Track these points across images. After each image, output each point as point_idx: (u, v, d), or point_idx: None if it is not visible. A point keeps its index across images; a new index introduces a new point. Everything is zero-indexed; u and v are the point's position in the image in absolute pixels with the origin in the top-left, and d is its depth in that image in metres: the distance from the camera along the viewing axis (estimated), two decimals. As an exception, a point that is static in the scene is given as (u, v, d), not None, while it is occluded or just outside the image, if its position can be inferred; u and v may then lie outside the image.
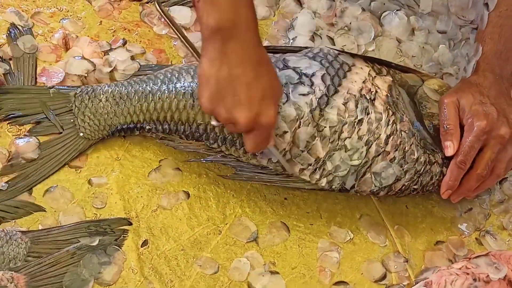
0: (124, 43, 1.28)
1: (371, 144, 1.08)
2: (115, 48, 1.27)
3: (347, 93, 1.10)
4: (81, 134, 1.14)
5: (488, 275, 1.06)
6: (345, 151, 1.08)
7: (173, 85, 1.13)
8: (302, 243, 1.13)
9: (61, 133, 1.14)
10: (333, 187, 1.10)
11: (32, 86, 1.19)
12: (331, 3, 1.38)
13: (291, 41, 1.34)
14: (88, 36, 1.27)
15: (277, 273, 1.09)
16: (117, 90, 1.15)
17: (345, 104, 1.09)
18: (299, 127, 1.07)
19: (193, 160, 1.15)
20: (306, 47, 1.19)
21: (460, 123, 1.11)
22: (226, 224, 1.12)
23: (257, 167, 1.11)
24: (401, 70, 1.20)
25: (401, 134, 1.10)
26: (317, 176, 1.09)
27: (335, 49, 1.17)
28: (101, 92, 1.15)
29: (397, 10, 1.39)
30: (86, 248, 1.05)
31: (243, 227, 1.12)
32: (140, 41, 1.29)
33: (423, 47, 1.36)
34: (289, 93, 1.08)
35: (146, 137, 1.18)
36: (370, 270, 1.12)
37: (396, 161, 1.09)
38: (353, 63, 1.15)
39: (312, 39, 1.34)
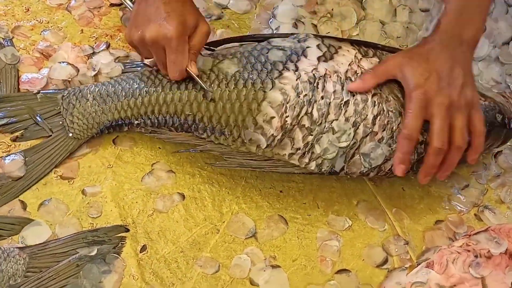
0: (108, 46, 1.28)
1: (359, 125, 1.08)
2: (99, 52, 1.26)
3: (333, 75, 1.09)
4: (70, 135, 1.15)
5: (489, 251, 1.06)
6: (333, 133, 1.08)
7: (159, 80, 1.14)
8: (301, 235, 1.12)
9: (50, 135, 1.15)
10: (323, 170, 1.10)
11: (19, 93, 1.19)
12: (311, -10, 1.38)
13: (275, 31, 1.33)
14: (71, 44, 1.28)
15: (279, 266, 1.08)
16: (104, 89, 1.16)
17: (333, 86, 1.09)
18: (285, 112, 1.07)
19: (183, 151, 1.15)
20: (292, 33, 1.18)
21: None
22: (224, 222, 1.12)
23: (246, 154, 1.11)
24: (387, 51, 1.19)
25: (388, 114, 1.09)
26: (306, 160, 1.09)
27: (319, 35, 1.17)
28: (88, 91, 1.16)
29: (378, -8, 1.39)
30: (85, 258, 1.04)
31: (241, 224, 1.12)
32: (123, 46, 1.28)
33: (407, 27, 1.36)
34: (274, 79, 1.09)
35: (136, 142, 1.18)
36: (371, 255, 1.11)
37: (384, 141, 1.09)
38: (339, 46, 1.15)
39: (295, 26, 1.34)
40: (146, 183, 1.14)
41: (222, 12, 1.38)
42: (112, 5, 1.34)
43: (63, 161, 1.14)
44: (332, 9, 1.36)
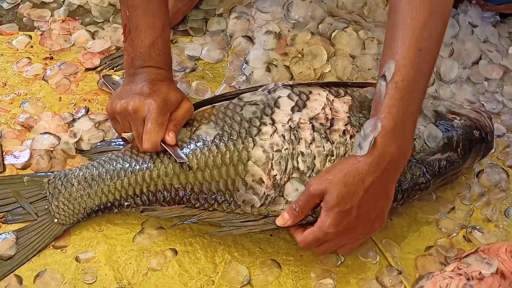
0: (87, 110, 1.30)
1: None
2: (79, 118, 1.29)
3: (308, 124, 1.11)
4: (56, 220, 1.14)
5: (480, 272, 1.07)
6: None
7: (141, 158, 1.14)
8: (296, 276, 1.14)
9: (35, 219, 1.15)
10: (317, 216, 1.08)
11: (5, 176, 1.20)
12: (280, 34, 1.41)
13: (248, 76, 1.36)
14: (50, 113, 1.30)
15: (274, 312, 1.10)
16: (88, 172, 1.16)
17: (311, 135, 1.11)
18: (272, 168, 1.09)
19: (179, 223, 1.15)
20: (261, 86, 1.21)
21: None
22: (218, 273, 1.13)
23: (241, 215, 1.12)
24: (358, 87, 1.21)
25: None
26: None
27: (288, 83, 1.19)
28: (73, 176, 1.16)
29: (345, 28, 1.42)
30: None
31: (235, 272, 1.13)
32: (102, 109, 1.31)
33: (377, 58, 1.39)
34: (254, 136, 1.10)
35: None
36: (366, 289, 1.13)
37: None
38: (310, 91, 1.17)
39: (268, 69, 1.37)
40: (138, 242, 1.16)
41: (196, 64, 1.41)
42: (87, 69, 1.37)
43: (47, 246, 1.14)
44: (302, 49, 1.40)
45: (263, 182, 1.09)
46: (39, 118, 1.28)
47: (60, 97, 1.32)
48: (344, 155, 1.10)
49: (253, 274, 1.13)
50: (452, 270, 1.10)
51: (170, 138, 1.11)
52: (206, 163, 1.11)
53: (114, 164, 1.15)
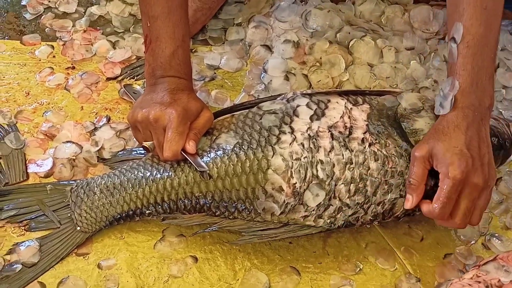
0: (108, 119, 1.32)
1: (367, 179, 1.11)
2: (100, 127, 1.31)
3: (327, 132, 1.13)
4: (78, 228, 1.16)
5: (499, 280, 1.08)
6: (344, 191, 1.11)
7: (162, 166, 1.15)
8: (315, 283, 1.14)
9: (58, 227, 1.16)
10: (337, 225, 1.13)
11: (29, 184, 1.22)
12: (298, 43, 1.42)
13: (267, 85, 1.37)
14: (72, 122, 1.32)
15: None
16: (110, 181, 1.17)
17: (330, 143, 1.12)
18: (292, 176, 1.10)
19: (200, 231, 1.17)
20: (280, 94, 1.22)
21: (433, 168, 1.09)
22: (238, 280, 1.14)
23: (262, 223, 1.14)
24: (376, 95, 1.22)
25: (391, 159, 1.12)
26: (322, 220, 1.12)
27: (307, 92, 1.20)
28: (95, 185, 1.17)
29: (362, 37, 1.43)
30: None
31: (255, 280, 1.14)
32: (123, 118, 1.33)
33: (395, 66, 1.40)
34: (273, 145, 1.12)
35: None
36: (385, 297, 1.14)
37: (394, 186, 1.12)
38: (328, 99, 1.18)
39: (287, 78, 1.38)
40: (158, 250, 1.17)
41: (215, 73, 1.42)
42: (108, 79, 1.39)
43: (70, 253, 1.15)
44: (321, 58, 1.41)
45: (283, 190, 1.10)
46: (62, 127, 1.30)
47: (82, 106, 1.34)
48: (364, 163, 1.11)
49: (273, 281, 1.14)
50: (471, 278, 1.10)
51: (190, 147, 1.13)
52: (226, 171, 1.12)
53: (136, 172, 1.17)
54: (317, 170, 1.10)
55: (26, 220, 1.17)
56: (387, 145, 1.13)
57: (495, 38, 1.14)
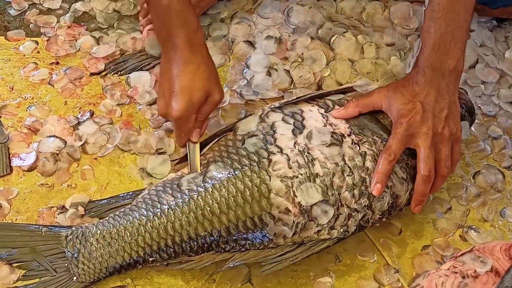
0: (92, 114, 1.33)
1: (367, 180, 1.12)
2: (83, 122, 1.31)
3: (317, 141, 1.13)
4: (75, 279, 1.10)
5: (475, 270, 1.10)
6: (350, 198, 1.11)
7: (158, 209, 1.11)
8: (295, 275, 1.16)
9: (54, 276, 1.11)
10: (352, 231, 1.13)
11: (25, 224, 1.17)
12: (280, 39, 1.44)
13: (250, 80, 1.38)
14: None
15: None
16: (106, 230, 1.11)
17: (321, 152, 1.12)
18: (295, 195, 1.09)
19: (219, 271, 1.13)
20: (249, 115, 1.22)
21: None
22: (219, 272, 1.14)
23: (276, 249, 1.12)
24: (342, 93, 1.23)
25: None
26: (336, 231, 1.12)
27: (275, 105, 1.21)
28: (90, 234, 1.11)
29: (344, 33, 1.45)
30: None
31: (236, 271, 1.15)
32: (106, 113, 1.34)
33: (376, 62, 1.42)
34: (267, 168, 1.10)
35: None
36: (364, 287, 1.15)
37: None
38: (301, 109, 1.18)
39: (269, 74, 1.39)
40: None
41: (198, 68, 1.43)
42: (92, 74, 1.40)
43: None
44: (302, 53, 1.42)
45: (290, 211, 1.09)
46: (45, 121, 1.31)
47: (66, 101, 1.35)
48: (360, 165, 1.12)
49: (253, 273, 1.15)
50: (448, 269, 1.12)
51: (194, 137, 1.17)
52: (227, 204, 1.09)
53: (131, 219, 1.11)
54: (318, 185, 1.10)
55: (21, 266, 1.12)
56: (375, 142, 1.15)
57: (465, 6, 1.20)
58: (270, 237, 1.10)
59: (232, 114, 1.36)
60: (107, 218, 1.15)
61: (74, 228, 1.14)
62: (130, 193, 1.20)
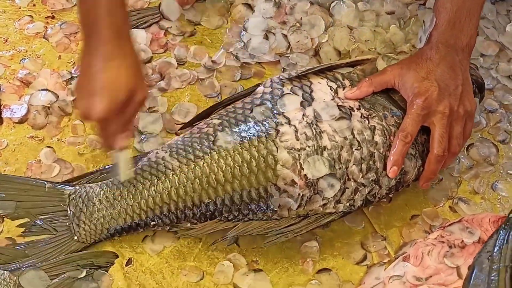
0: (86, 70, 1.32)
1: (374, 154, 1.10)
2: (77, 76, 1.29)
3: (326, 114, 1.11)
4: (75, 238, 1.10)
5: (462, 241, 1.09)
6: (357, 172, 1.10)
7: (163, 174, 1.10)
8: (282, 238, 1.16)
9: (53, 234, 1.11)
10: (358, 205, 1.12)
11: (29, 178, 1.17)
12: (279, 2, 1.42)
13: (246, 43, 1.37)
14: (49, 70, 1.32)
15: (261, 270, 1.12)
16: (109, 191, 1.11)
17: (330, 125, 1.10)
18: (301, 168, 1.08)
19: (221, 240, 1.11)
20: (257, 85, 1.20)
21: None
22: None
23: (280, 221, 1.11)
24: (352, 66, 1.21)
25: (391, 130, 1.12)
26: (341, 204, 1.11)
27: (284, 76, 1.18)
28: (94, 194, 1.11)
29: (344, -1, 1.43)
30: (74, 278, 1.08)
31: (222, 232, 1.14)
32: (100, 69, 1.32)
33: (375, 30, 1.40)
34: (274, 139, 1.09)
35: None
36: (350, 253, 1.15)
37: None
38: (310, 81, 1.16)
39: (266, 37, 1.38)
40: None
41: (195, 29, 1.42)
42: (87, 30, 1.38)
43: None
44: (301, 18, 1.40)
45: (296, 183, 1.08)
46: (38, 74, 1.30)
47: (60, 55, 1.34)
48: (369, 139, 1.10)
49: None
50: (435, 238, 1.11)
51: (119, 143, 1.07)
52: (233, 174, 1.08)
53: (134, 182, 1.11)
54: (325, 157, 1.08)
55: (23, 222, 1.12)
56: (385, 116, 1.13)
57: None
58: (275, 209, 1.09)
59: (227, 76, 1.35)
60: (111, 179, 1.13)
61: (77, 188, 1.13)
62: (137, 156, 1.18)
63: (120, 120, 1.04)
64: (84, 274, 1.08)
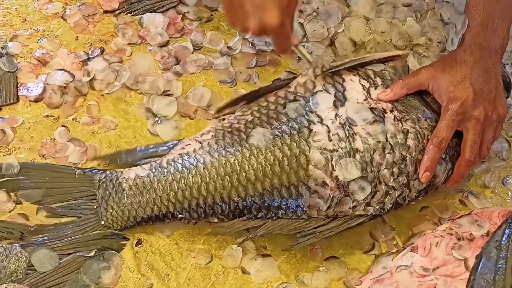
0: (102, 51, 1.33)
1: (406, 158, 1.10)
2: (93, 57, 1.32)
3: (359, 117, 1.10)
4: (102, 223, 1.11)
5: (471, 233, 1.10)
6: (388, 176, 1.10)
7: (194, 167, 1.10)
8: (291, 228, 1.16)
9: (80, 218, 1.12)
10: (387, 209, 1.12)
11: (60, 165, 1.18)
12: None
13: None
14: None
15: (269, 255, 1.13)
16: (140, 179, 1.11)
17: (363, 128, 1.10)
18: (333, 169, 1.08)
19: (251, 237, 1.11)
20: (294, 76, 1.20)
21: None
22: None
23: (309, 221, 1.11)
24: (382, 62, 1.19)
25: (424, 133, 1.12)
26: (371, 207, 1.11)
27: (317, 73, 1.16)
28: (124, 179, 1.11)
29: (361, -11, 1.43)
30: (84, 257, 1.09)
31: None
32: (117, 51, 1.33)
33: (391, 22, 1.40)
34: (307, 138, 1.08)
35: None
36: (359, 242, 1.16)
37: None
38: (342, 78, 1.15)
39: (284, 25, 1.38)
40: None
41: (212, 15, 1.42)
42: (105, 12, 1.39)
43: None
44: (318, 8, 1.41)
45: (327, 184, 1.08)
46: (55, 54, 1.31)
47: (77, 36, 1.35)
48: (401, 143, 1.10)
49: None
50: (444, 230, 1.12)
51: (294, 37, 1.11)
52: (264, 172, 1.08)
53: (165, 172, 1.11)
54: (357, 160, 1.08)
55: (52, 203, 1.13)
56: (419, 119, 1.12)
57: None
58: (304, 208, 1.09)
59: (243, 63, 1.35)
60: (143, 166, 1.14)
61: (108, 172, 1.14)
62: (169, 143, 1.18)
63: (288, 21, 1.08)
64: (93, 253, 1.09)
